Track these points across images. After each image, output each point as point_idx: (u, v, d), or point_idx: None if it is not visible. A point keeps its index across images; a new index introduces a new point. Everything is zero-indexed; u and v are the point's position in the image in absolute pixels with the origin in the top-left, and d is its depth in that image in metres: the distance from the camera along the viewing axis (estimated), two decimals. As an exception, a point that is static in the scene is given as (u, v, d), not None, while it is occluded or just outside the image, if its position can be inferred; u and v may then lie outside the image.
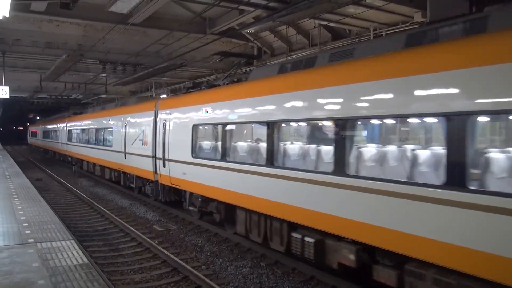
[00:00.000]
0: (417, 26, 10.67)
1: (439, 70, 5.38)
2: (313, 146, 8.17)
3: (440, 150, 5.79)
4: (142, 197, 16.89)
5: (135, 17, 12.64)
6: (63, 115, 37.13)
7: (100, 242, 10.88)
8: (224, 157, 10.19)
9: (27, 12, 13.21)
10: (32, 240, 7.94)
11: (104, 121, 20.84)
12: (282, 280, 8.14)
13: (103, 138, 20.97)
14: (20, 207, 11.18)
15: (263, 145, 9.03)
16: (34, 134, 57.52)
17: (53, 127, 38.25)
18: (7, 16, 8.57)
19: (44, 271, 6.25)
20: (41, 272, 6.21)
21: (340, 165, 6.87)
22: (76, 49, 16.94)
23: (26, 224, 9.22)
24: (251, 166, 9.18)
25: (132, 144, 16.46)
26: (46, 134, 43.34)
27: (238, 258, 9.50)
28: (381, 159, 6.71)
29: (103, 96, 31.73)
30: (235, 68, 19.50)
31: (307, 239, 7.68)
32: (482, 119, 5.36)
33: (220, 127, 10.50)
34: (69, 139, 29.40)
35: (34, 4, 12.59)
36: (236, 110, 9.85)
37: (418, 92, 5.66)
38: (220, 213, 10.99)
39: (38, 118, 72.41)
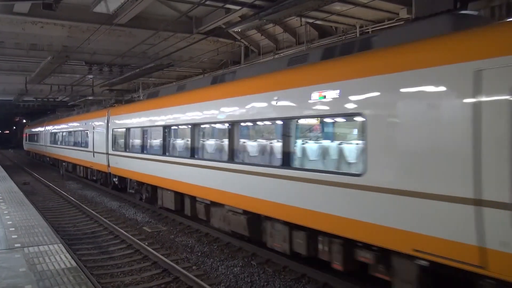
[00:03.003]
0: (402, 22, 10.76)
1: None
2: None
3: None
4: (131, 199, 16.74)
5: (120, 17, 12.54)
6: (87, 108, 27.18)
7: (90, 245, 10.78)
8: None
9: (10, 14, 13.05)
10: (19, 245, 7.85)
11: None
12: (274, 279, 8.14)
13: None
14: (7, 212, 11.04)
15: None
16: (33, 138, 43.57)
17: (75, 127, 24.67)
18: (-11, 17, 8.44)
19: (32, 276, 6.19)
20: (28, 277, 6.14)
21: None
22: (61, 50, 16.74)
23: (13, 229, 9.10)
24: None
25: None
26: (60, 137, 29.35)
27: (229, 257, 9.48)
28: None
29: (90, 97, 31.38)
30: (223, 67, 19.47)
31: None
32: None
33: None
34: (130, 146, 15.94)
35: (17, 6, 12.43)
36: None
37: None
38: None
39: (24, 121, 71.56)
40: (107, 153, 17.92)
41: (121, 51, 16.32)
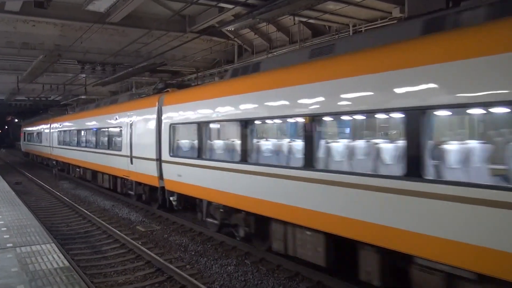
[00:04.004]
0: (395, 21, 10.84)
1: None
2: None
3: None
4: (125, 198, 16.68)
5: (113, 15, 12.54)
6: (113, 98, 21.58)
7: (83, 244, 10.74)
8: None
9: (1, 12, 12.98)
10: (11, 245, 7.84)
11: None
12: (267, 277, 8.16)
13: None
14: (-2, 211, 11.01)
15: None
16: (34, 138, 37.29)
17: (98, 123, 19.08)
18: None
19: (24, 276, 6.19)
20: (20, 277, 6.14)
21: None
22: (53, 49, 16.68)
23: (5, 229, 9.08)
24: None
25: None
26: (73, 137, 23.19)
27: (222, 256, 9.50)
28: None
29: (83, 97, 31.27)
30: (216, 66, 19.43)
31: None
32: None
33: None
34: (211, 151, 10.73)
35: (8, 4, 12.36)
36: None
37: None
38: None
39: (16, 120, 71.25)
40: (159, 160, 12.72)
41: (114, 50, 16.29)
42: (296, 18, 12.45)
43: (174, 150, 12.05)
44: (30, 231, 8.97)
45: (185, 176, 11.29)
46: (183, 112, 11.61)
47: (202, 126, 10.62)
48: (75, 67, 20.16)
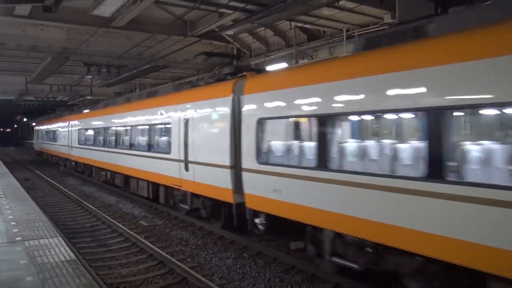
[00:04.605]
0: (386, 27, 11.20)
1: None
2: None
3: None
4: (128, 194, 16.98)
5: (118, 20, 12.87)
6: (153, 90, 19.54)
7: (88, 238, 11.05)
8: None
9: (11, 16, 13.38)
10: (19, 238, 8.09)
11: None
12: (264, 270, 8.45)
13: None
14: (8, 207, 11.31)
15: None
16: (49, 136, 33.97)
17: (136, 119, 15.68)
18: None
19: (32, 268, 6.41)
20: (28, 269, 6.36)
21: None
22: (61, 52, 17.03)
23: (14, 223, 9.37)
24: None
25: None
26: (102, 136, 19.74)
27: (222, 250, 9.80)
28: None
29: (89, 97, 31.75)
30: (218, 68, 19.75)
31: None
32: None
33: None
34: (365, 158, 7.00)
35: (18, 8, 12.76)
36: None
37: None
38: None
39: (25, 119, 72.07)
40: (235, 167, 9.70)
41: (118, 53, 16.61)
42: (293, 23, 12.73)
43: (266, 155, 8.77)
44: (38, 225, 9.27)
45: (287, 193, 7.97)
46: (285, 101, 8.19)
47: (329, 121, 7.16)
48: (81, 69, 20.53)
